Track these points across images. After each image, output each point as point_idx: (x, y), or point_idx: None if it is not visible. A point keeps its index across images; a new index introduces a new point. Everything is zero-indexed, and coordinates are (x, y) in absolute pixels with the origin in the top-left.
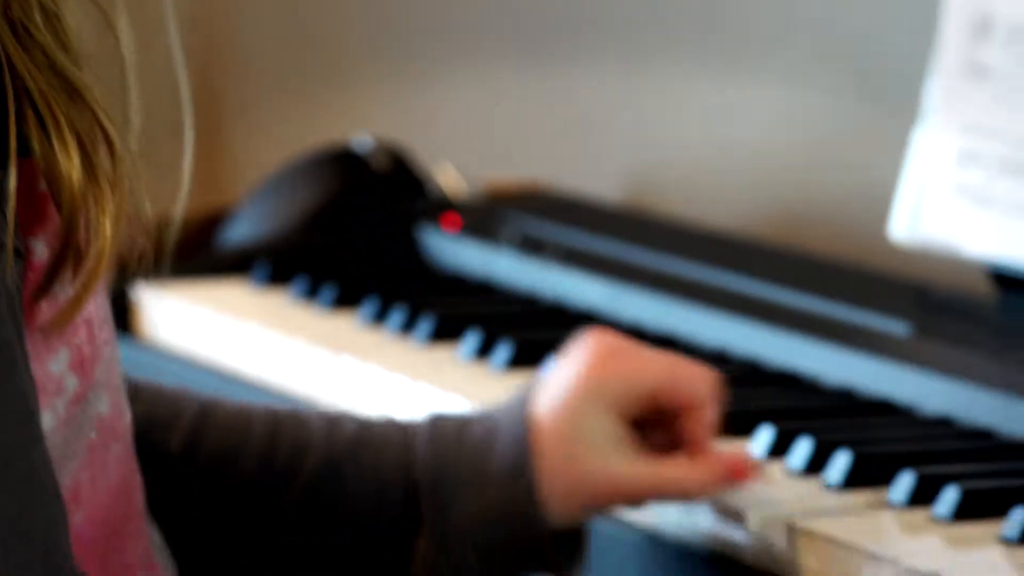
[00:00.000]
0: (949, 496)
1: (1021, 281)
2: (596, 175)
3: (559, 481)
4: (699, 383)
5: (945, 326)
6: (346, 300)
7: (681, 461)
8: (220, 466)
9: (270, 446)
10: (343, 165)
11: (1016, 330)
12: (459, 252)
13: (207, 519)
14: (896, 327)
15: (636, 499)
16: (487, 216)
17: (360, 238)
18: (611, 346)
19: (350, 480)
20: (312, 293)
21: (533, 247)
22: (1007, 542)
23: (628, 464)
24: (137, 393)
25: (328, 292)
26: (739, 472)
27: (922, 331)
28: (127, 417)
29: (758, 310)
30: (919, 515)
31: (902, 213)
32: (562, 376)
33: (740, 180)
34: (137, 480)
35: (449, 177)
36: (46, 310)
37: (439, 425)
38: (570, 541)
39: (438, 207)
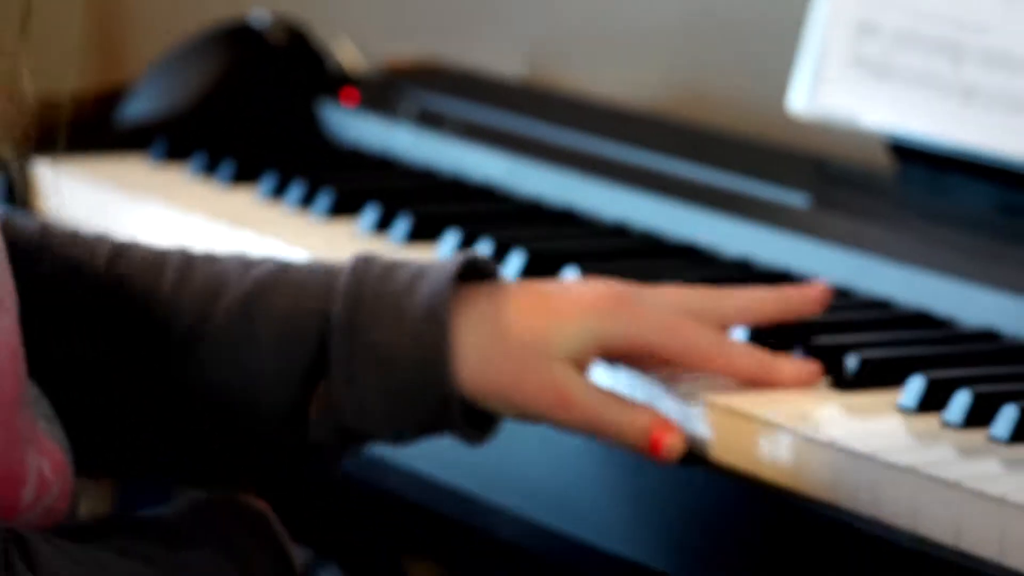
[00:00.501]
0: (848, 365)
1: (919, 152)
2: (497, 52)
3: (490, 352)
4: (700, 343)
5: (843, 198)
6: (245, 175)
7: (626, 406)
8: (132, 305)
9: (181, 286)
10: (241, 40)
11: (913, 201)
12: (358, 127)
13: (118, 369)
14: (795, 199)
15: (571, 414)
16: (386, 91)
17: (259, 113)
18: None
19: (261, 318)
20: (211, 169)
21: (432, 121)
22: (904, 411)
23: (582, 380)
24: (49, 237)
25: (227, 167)
26: (658, 445)
27: (821, 203)
28: (12, 288)
29: (657, 183)
30: (818, 384)
31: (800, 85)
32: (578, 286)
33: (641, 55)
34: (22, 351)
35: (347, 52)
36: None
37: (365, 263)
38: (481, 415)
39: (337, 82)
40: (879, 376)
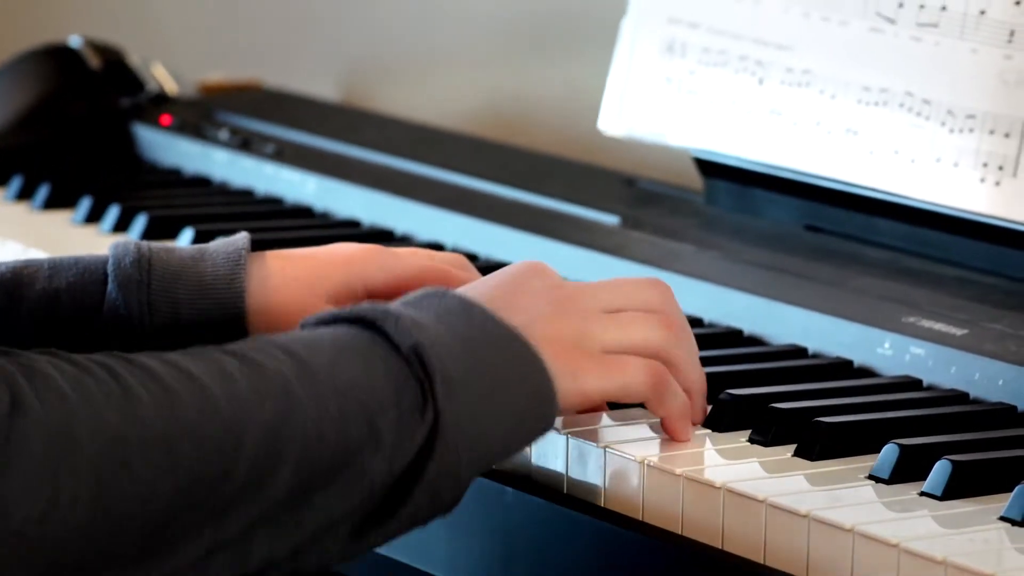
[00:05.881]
0: None
1: (726, 170)
2: (314, 76)
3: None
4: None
5: (653, 217)
6: (61, 199)
7: None
8: None
9: None
10: (57, 64)
11: (720, 219)
12: (174, 150)
13: None
14: (606, 219)
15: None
16: (203, 114)
17: (75, 137)
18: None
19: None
20: (27, 193)
21: (248, 143)
22: (713, 428)
23: None
24: None
25: (42, 192)
26: None
27: (630, 222)
28: None
29: (471, 205)
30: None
31: (609, 105)
32: (338, 245)
33: (456, 79)
34: None
35: (162, 76)
36: None
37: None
38: None
39: (153, 105)
40: None
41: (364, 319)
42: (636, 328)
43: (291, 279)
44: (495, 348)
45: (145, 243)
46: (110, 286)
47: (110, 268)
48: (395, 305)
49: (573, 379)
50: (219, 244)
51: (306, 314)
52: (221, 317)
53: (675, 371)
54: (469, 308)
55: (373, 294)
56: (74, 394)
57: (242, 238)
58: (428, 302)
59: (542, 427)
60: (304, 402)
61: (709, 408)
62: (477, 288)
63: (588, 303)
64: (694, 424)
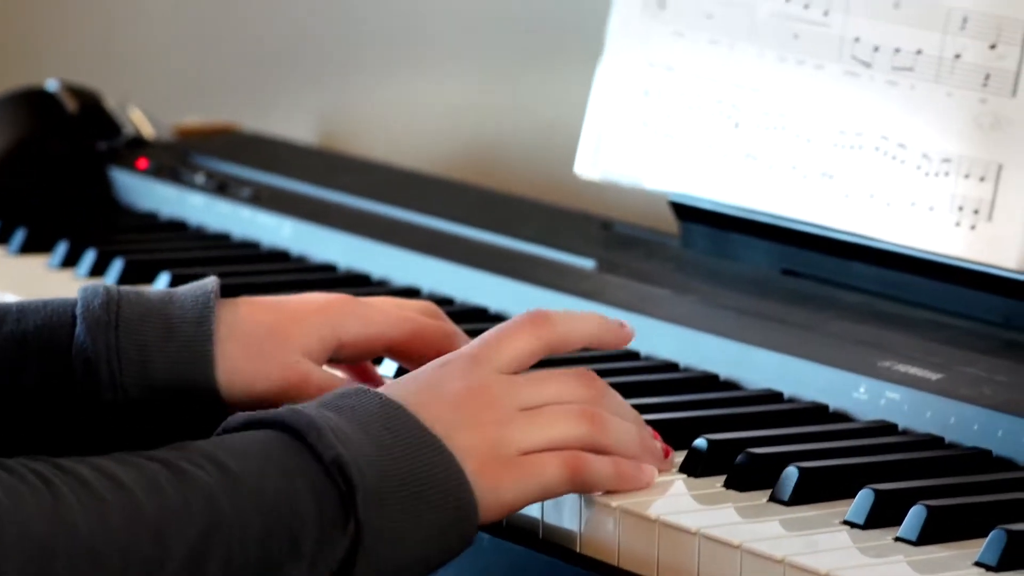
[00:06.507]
0: None
1: (702, 214)
2: (290, 120)
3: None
4: (438, 342)
5: (629, 261)
6: (37, 243)
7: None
8: None
9: None
10: (34, 108)
11: (696, 263)
12: (151, 194)
13: None
14: (582, 262)
15: (310, 389)
16: (179, 158)
17: (51, 181)
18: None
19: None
20: (3, 238)
21: (225, 187)
22: (688, 473)
23: (318, 367)
24: None
25: (18, 236)
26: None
27: (606, 266)
28: None
29: (447, 249)
30: None
31: (586, 149)
32: (311, 294)
33: (432, 122)
34: None
35: (139, 120)
36: None
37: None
38: None
39: (130, 149)
40: (668, 439)
41: (286, 426)
42: (554, 425)
43: (261, 326)
44: (417, 457)
45: (115, 286)
46: (78, 328)
47: (79, 310)
48: (316, 410)
49: (492, 492)
50: (188, 287)
51: (275, 363)
52: (189, 359)
53: (609, 454)
54: (390, 413)
55: (345, 346)
56: (7, 500)
57: (211, 282)
58: (349, 403)
59: (464, 542)
60: (229, 515)
61: (683, 454)
62: (400, 387)
63: (507, 404)
64: (661, 472)
